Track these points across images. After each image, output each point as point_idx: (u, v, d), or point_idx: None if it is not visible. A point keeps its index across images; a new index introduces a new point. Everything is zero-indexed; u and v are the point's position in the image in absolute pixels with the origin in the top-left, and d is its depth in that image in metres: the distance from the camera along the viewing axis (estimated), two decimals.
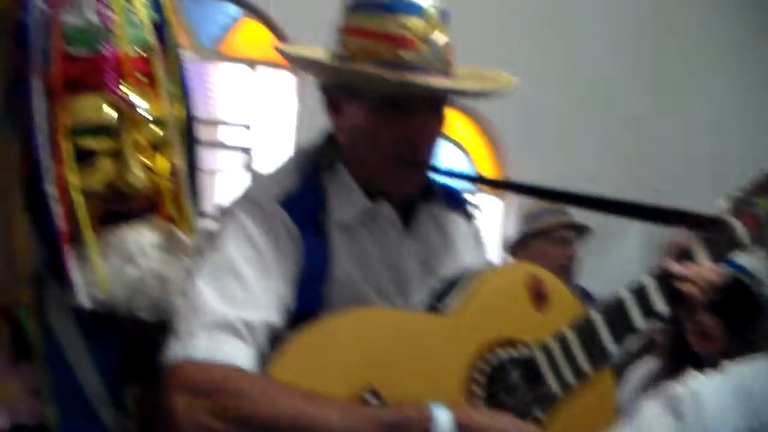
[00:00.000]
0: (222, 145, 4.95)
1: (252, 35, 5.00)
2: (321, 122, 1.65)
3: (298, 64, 1.68)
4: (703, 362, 2.22)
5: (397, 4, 1.49)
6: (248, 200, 1.53)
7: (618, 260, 5.03)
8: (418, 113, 1.52)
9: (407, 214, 1.64)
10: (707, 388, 1.03)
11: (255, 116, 5.00)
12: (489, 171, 5.52)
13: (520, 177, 4.56)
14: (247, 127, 4.98)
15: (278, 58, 4.84)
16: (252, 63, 5.01)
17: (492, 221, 5.31)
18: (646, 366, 2.60)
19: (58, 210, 1.28)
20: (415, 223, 1.64)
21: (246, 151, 4.94)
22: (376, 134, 1.53)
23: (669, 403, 1.04)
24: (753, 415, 0.98)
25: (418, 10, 1.50)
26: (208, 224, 1.53)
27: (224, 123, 4.98)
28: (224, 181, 4.84)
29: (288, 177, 1.57)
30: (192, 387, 1.33)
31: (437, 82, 1.50)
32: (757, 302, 2.37)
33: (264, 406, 1.33)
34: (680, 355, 2.35)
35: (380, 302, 1.56)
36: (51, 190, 1.27)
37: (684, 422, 1.00)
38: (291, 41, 4.68)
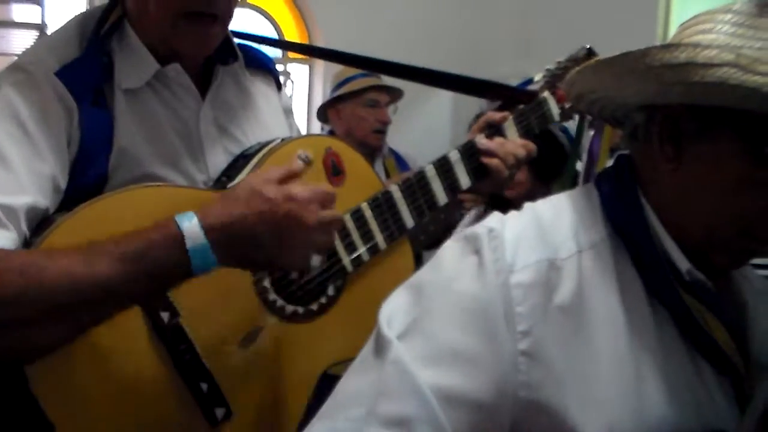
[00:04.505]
0: (14, 24, 4.70)
1: None
2: None
3: None
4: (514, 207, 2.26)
5: None
6: (18, 71, 1.36)
7: (429, 122, 5.18)
8: None
9: (205, 78, 1.53)
10: (503, 225, 1.01)
11: None
12: (297, 39, 5.46)
13: (329, 45, 4.54)
14: (40, 4, 4.71)
15: None
16: None
17: (301, 88, 5.29)
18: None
19: None
20: (213, 86, 1.53)
21: (40, 28, 4.70)
22: None
23: (467, 242, 1.02)
24: (548, 244, 1.00)
25: None
26: None
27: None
28: None
29: (66, 45, 1.41)
30: None
31: None
32: (561, 149, 2.43)
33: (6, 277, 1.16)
34: (494, 203, 2.40)
35: (171, 171, 1.44)
36: None
37: (481, 257, 0.98)
38: None
